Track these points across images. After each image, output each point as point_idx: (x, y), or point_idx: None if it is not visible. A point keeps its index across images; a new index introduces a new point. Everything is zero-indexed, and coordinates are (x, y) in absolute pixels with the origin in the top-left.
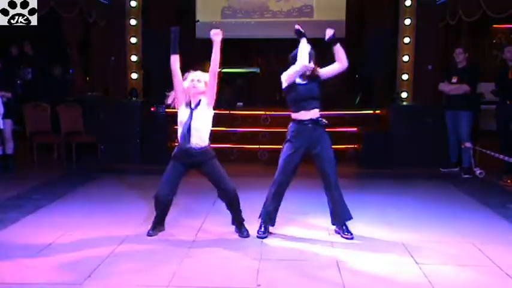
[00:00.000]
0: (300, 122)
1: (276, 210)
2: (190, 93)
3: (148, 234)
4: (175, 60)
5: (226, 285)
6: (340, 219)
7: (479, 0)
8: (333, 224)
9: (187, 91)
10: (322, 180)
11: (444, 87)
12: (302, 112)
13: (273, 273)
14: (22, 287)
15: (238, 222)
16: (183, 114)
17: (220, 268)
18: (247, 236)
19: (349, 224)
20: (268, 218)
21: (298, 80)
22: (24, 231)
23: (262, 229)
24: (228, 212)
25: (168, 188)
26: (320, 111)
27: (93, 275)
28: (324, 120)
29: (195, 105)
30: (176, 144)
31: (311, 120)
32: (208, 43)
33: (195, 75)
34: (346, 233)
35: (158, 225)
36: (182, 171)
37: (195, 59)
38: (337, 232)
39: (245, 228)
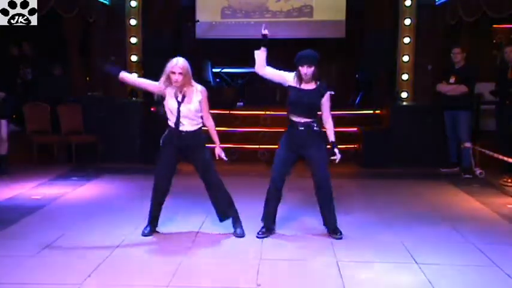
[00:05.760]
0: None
1: (275, 209)
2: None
3: (143, 234)
4: (126, 77)
5: (226, 285)
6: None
7: (479, 0)
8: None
9: (168, 85)
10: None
11: (442, 88)
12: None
13: (273, 273)
14: (22, 287)
15: (225, 216)
16: (171, 106)
17: (220, 268)
18: (241, 234)
19: (350, 224)
20: (268, 217)
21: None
22: (24, 231)
23: (263, 229)
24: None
25: (163, 175)
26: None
27: (93, 275)
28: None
29: (181, 98)
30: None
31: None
32: (208, 43)
33: (175, 67)
34: (335, 234)
35: (153, 222)
36: (174, 155)
37: (195, 59)
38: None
39: (239, 226)
